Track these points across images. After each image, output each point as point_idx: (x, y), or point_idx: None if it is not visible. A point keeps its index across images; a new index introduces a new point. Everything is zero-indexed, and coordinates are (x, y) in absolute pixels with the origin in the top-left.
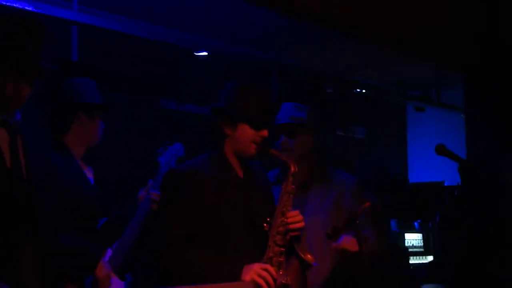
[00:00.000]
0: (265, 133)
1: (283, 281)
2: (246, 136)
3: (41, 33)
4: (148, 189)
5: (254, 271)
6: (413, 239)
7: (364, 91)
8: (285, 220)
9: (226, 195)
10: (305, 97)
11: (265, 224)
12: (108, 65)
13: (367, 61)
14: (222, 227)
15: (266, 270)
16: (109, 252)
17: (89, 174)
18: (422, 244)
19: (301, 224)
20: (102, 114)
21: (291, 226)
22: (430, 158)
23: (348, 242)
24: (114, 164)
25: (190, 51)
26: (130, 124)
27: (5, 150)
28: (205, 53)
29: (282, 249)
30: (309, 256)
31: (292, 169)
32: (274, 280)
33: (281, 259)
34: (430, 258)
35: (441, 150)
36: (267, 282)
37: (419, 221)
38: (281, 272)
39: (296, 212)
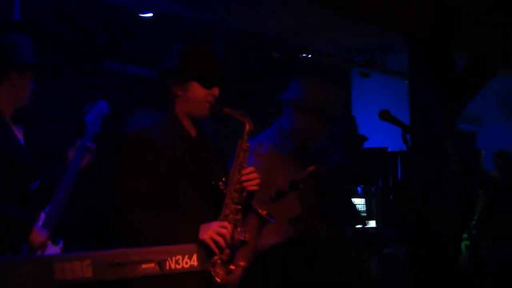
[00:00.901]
0: (216, 91)
1: (242, 238)
2: (199, 96)
3: None
4: (76, 148)
5: (212, 230)
6: (356, 204)
7: (310, 56)
8: (241, 178)
9: (179, 155)
10: (251, 61)
11: (220, 183)
12: (51, 25)
13: (314, 26)
14: (177, 187)
15: (224, 227)
16: (42, 217)
17: (19, 135)
18: (365, 209)
19: (257, 181)
20: (34, 74)
21: (247, 184)
22: (374, 124)
23: None
24: (48, 125)
25: (135, 12)
26: (72, 85)
27: None
28: (150, 14)
29: (238, 206)
30: (265, 212)
31: (247, 127)
32: (232, 237)
33: (238, 217)
34: (372, 223)
35: (385, 116)
36: (225, 240)
37: (362, 186)
38: (238, 230)
39: (251, 169)
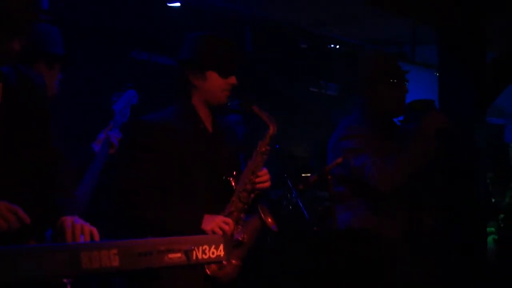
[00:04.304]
0: (233, 80)
1: (240, 238)
2: (216, 84)
3: None
4: (103, 138)
5: (215, 223)
6: None
7: (338, 47)
8: (254, 179)
9: (193, 147)
10: (279, 51)
11: (231, 179)
12: (79, 14)
13: (343, 16)
14: (188, 177)
15: (227, 223)
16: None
17: None
18: None
19: (267, 184)
20: (62, 65)
21: (258, 186)
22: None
23: None
24: (76, 114)
25: (163, 1)
26: (100, 74)
27: None
28: (178, 4)
29: (245, 206)
30: (269, 219)
31: (271, 130)
32: (232, 235)
33: (241, 215)
34: None
35: (415, 107)
36: (226, 235)
37: None
38: (239, 228)
39: (265, 171)
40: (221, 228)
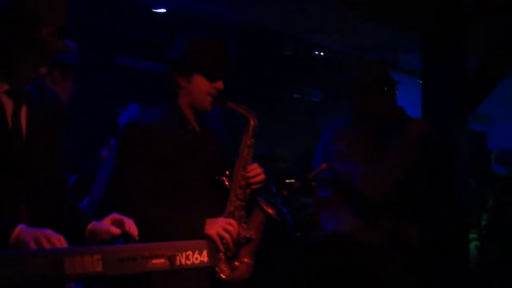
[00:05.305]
0: (220, 84)
1: (247, 235)
2: (202, 88)
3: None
4: (110, 148)
5: (219, 226)
6: None
7: (322, 54)
8: (246, 174)
9: (185, 148)
10: (263, 57)
11: (225, 178)
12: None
13: (326, 23)
14: (183, 181)
15: (230, 225)
16: None
17: None
18: None
19: (262, 177)
20: (75, 75)
21: (252, 180)
22: None
23: None
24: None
25: (149, 7)
26: (84, 80)
27: (8, 115)
28: (163, 10)
29: (243, 203)
30: (270, 210)
31: (252, 122)
32: (238, 234)
33: (242, 213)
34: None
35: (398, 114)
36: (231, 237)
37: None
38: (244, 226)
39: (255, 165)
40: (226, 230)
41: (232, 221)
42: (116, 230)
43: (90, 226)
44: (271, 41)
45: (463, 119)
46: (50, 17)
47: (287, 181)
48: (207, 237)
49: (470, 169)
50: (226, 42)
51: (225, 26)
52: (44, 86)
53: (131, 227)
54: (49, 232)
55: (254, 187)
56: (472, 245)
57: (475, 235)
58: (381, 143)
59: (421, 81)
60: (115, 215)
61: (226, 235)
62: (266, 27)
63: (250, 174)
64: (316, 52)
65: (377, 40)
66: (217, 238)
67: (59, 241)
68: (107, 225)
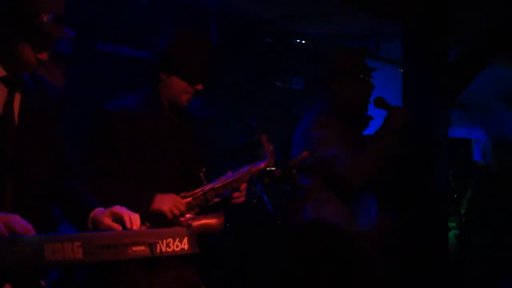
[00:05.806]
0: (199, 86)
1: (184, 224)
2: (180, 86)
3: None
4: None
5: (173, 204)
6: None
7: (303, 42)
8: (230, 189)
9: (157, 134)
10: (244, 45)
11: (201, 174)
12: None
13: (308, 11)
14: (149, 166)
15: (182, 205)
16: None
17: None
18: None
19: (241, 200)
20: (68, 64)
21: (234, 201)
22: (369, 112)
23: None
24: None
25: None
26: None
27: (0, 102)
28: None
29: (204, 202)
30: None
31: (267, 163)
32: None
33: (196, 209)
34: None
35: (379, 102)
36: (180, 211)
37: None
38: (189, 216)
39: (244, 187)
40: (177, 208)
41: (183, 201)
42: (117, 227)
43: (92, 214)
44: (252, 29)
45: (443, 107)
46: (50, 5)
47: (267, 168)
48: (158, 212)
49: (450, 157)
50: (210, 41)
51: (206, 14)
52: (42, 78)
53: (134, 223)
54: (16, 217)
55: (232, 201)
56: (451, 233)
57: (453, 224)
58: (359, 130)
59: (401, 70)
60: (114, 209)
61: (176, 212)
62: (247, 14)
63: (235, 194)
64: (297, 40)
65: (358, 29)
66: (169, 214)
67: (28, 228)
68: (108, 221)
